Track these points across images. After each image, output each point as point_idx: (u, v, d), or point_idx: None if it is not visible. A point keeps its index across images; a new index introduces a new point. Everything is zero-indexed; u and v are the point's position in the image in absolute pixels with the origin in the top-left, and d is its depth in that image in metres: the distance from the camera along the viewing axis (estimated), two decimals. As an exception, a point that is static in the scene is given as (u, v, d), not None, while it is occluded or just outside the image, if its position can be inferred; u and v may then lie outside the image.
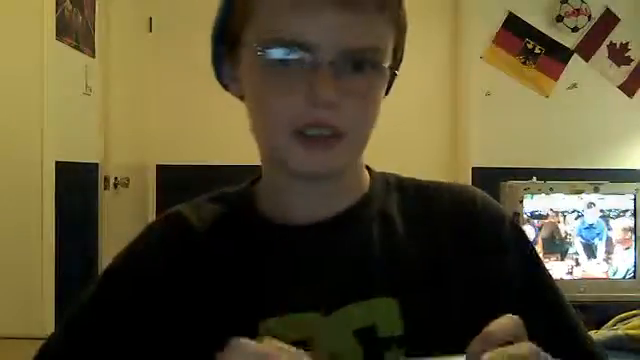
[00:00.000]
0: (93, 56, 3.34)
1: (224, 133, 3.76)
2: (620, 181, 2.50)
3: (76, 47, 3.15)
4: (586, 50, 4.04)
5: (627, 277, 2.17)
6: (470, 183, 3.63)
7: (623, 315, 1.83)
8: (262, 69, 0.69)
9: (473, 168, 4.00)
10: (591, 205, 2.18)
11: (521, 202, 2.18)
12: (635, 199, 2.17)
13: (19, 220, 2.82)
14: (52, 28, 2.89)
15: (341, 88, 0.67)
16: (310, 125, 0.68)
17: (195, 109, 3.99)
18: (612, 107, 4.04)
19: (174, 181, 3.94)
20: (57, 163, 2.90)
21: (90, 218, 3.38)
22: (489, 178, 2.48)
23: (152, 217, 3.98)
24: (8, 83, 2.82)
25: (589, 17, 4.00)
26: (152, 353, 0.73)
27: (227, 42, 0.74)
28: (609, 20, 4.04)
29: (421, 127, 4.11)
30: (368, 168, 0.82)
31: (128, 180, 3.66)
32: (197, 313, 0.72)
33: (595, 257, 2.18)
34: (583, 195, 2.18)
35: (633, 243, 2.17)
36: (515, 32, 4.02)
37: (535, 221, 2.20)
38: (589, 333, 0.78)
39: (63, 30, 2.99)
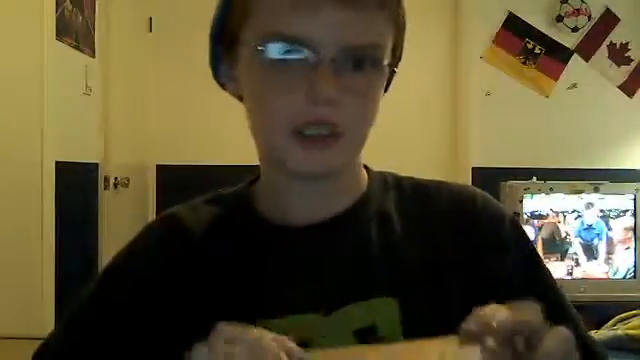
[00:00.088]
0: (93, 56, 3.34)
1: (224, 133, 3.76)
2: (620, 181, 2.50)
3: (76, 47, 3.15)
4: (586, 50, 4.04)
5: (627, 277, 2.17)
6: (470, 183, 3.63)
7: (623, 315, 1.83)
8: (261, 68, 0.68)
9: (473, 168, 4.00)
10: (590, 206, 2.18)
11: (521, 202, 2.18)
12: (635, 199, 2.17)
13: (19, 220, 2.82)
14: (52, 28, 2.89)
15: (341, 85, 0.66)
16: (310, 123, 0.68)
17: (195, 109, 3.98)
18: (612, 107, 4.04)
19: (174, 181, 3.94)
20: (57, 163, 2.90)
21: (90, 218, 3.38)
22: (489, 178, 2.49)
23: (152, 217, 3.96)
24: (8, 83, 2.81)
25: (589, 17, 4.00)
26: (150, 352, 0.73)
27: (225, 41, 0.74)
28: (609, 20, 4.03)
29: (421, 127, 4.11)
30: (366, 167, 0.81)
31: (128, 180, 3.65)
32: (195, 314, 0.72)
33: (595, 258, 2.18)
34: (583, 195, 2.18)
35: (633, 243, 2.17)
36: (515, 32, 4.02)
37: (535, 221, 2.20)
38: (590, 333, 0.78)
39: (63, 30, 2.99)
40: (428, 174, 0.82)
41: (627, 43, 4.05)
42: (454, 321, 0.68)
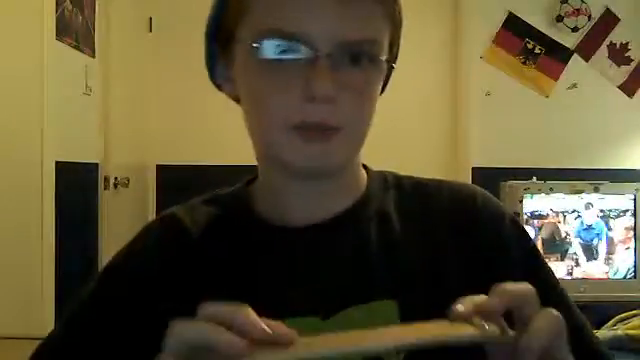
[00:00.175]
0: (93, 56, 3.34)
1: (224, 133, 3.75)
2: (620, 181, 2.49)
3: (76, 47, 3.15)
4: (586, 50, 4.04)
5: (627, 277, 2.16)
6: (470, 183, 3.63)
7: (623, 315, 1.83)
8: (257, 65, 0.68)
9: (473, 168, 4.00)
10: (589, 206, 2.18)
11: (521, 202, 2.18)
12: (635, 199, 2.17)
13: (19, 220, 2.82)
14: (52, 28, 2.89)
15: (338, 81, 0.66)
16: (305, 121, 0.67)
17: (195, 109, 3.98)
18: (612, 107, 4.04)
19: (174, 181, 3.94)
20: (57, 163, 2.90)
21: (90, 218, 3.38)
22: (489, 178, 2.48)
23: (152, 217, 3.95)
24: (8, 83, 2.82)
25: (589, 17, 4.00)
26: (148, 352, 0.72)
27: (221, 40, 0.73)
28: (609, 20, 4.03)
29: (421, 127, 4.11)
30: (365, 167, 0.81)
31: (128, 180, 3.66)
32: (193, 315, 0.72)
33: (595, 258, 2.18)
34: (583, 195, 2.18)
35: (633, 243, 2.16)
36: (515, 32, 4.02)
37: (535, 221, 2.20)
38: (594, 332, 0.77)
39: (63, 30, 2.99)
40: (428, 174, 0.81)
41: (627, 43, 4.05)
42: None
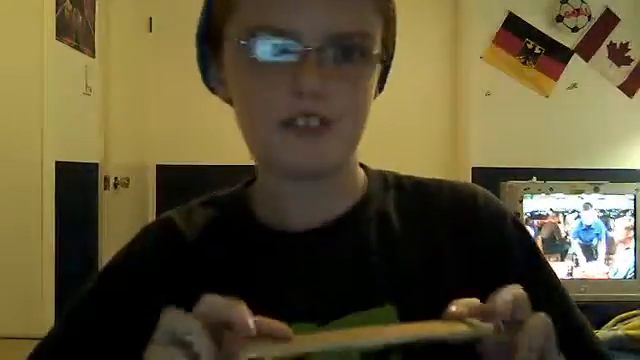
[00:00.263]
0: (93, 56, 3.34)
1: (224, 133, 3.73)
2: (620, 181, 2.49)
3: (76, 47, 3.15)
4: (586, 50, 4.04)
5: (627, 277, 2.16)
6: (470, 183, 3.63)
7: (623, 315, 1.83)
8: (246, 63, 0.67)
9: (473, 168, 4.00)
10: (588, 206, 2.18)
11: (521, 202, 2.18)
12: (635, 199, 2.16)
13: (19, 220, 2.82)
14: (52, 28, 2.89)
15: (327, 76, 0.65)
16: (296, 117, 0.66)
17: (195, 109, 3.98)
18: (612, 107, 4.04)
19: (174, 181, 3.94)
20: (57, 163, 2.90)
21: (90, 218, 3.38)
22: (489, 178, 2.48)
23: (152, 217, 3.98)
24: (8, 83, 2.82)
25: (589, 17, 4.00)
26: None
27: (211, 41, 0.73)
28: (609, 20, 4.03)
29: (421, 127, 4.11)
30: (364, 167, 0.80)
31: (128, 180, 3.66)
32: None
33: (595, 259, 2.18)
34: (583, 195, 2.18)
35: (633, 243, 2.16)
36: (515, 32, 4.02)
37: (535, 221, 2.20)
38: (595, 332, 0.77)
39: (63, 30, 2.99)
40: (428, 174, 0.81)
41: (627, 43, 4.05)
42: None
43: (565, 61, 4.04)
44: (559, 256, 2.19)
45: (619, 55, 4.05)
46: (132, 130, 3.86)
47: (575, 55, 4.04)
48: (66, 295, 2.84)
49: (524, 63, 4.03)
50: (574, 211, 2.20)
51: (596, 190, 2.19)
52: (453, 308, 0.53)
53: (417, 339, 0.51)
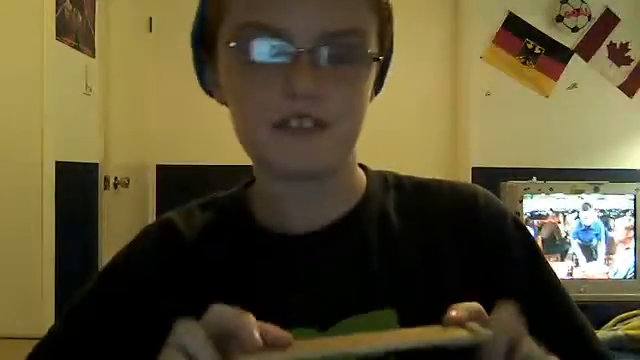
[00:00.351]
0: (93, 56, 3.34)
1: (224, 133, 3.72)
2: (620, 181, 2.49)
3: (76, 47, 3.15)
4: (586, 50, 4.04)
5: (627, 277, 2.16)
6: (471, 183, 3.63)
7: (623, 315, 1.83)
8: (238, 64, 0.66)
9: (473, 168, 4.00)
10: (587, 206, 2.18)
11: (521, 202, 2.18)
12: (635, 199, 2.16)
13: (19, 220, 2.82)
14: (52, 28, 2.89)
15: (321, 77, 0.64)
16: (289, 118, 0.65)
17: (195, 109, 3.97)
18: (612, 107, 4.04)
19: (174, 181, 3.94)
20: (57, 163, 2.90)
21: (90, 218, 3.38)
22: (489, 178, 2.48)
23: (152, 217, 3.99)
24: (8, 83, 2.81)
25: (589, 17, 4.00)
26: (144, 352, 0.72)
27: (206, 44, 0.72)
28: (609, 20, 4.03)
29: (421, 127, 4.11)
30: (364, 167, 0.80)
31: (128, 180, 3.65)
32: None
33: (595, 259, 2.18)
34: (583, 195, 2.18)
35: (633, 243, 2.16)
36: (515, 32, 4.02)
37: (535, 221, 2.20)
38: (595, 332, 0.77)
39: (63, 30, 2.99)
40: (428, 174, 0.81)
41: (627, 43, 4.05)
42: None
43: (565, 61, 4.04)
44: (559, 256, 2.19)
45: (619, 55, 4.05)
46: (132, 130, 3.86)
47: (575, 55, 4.04)
48: (66, 295, 2.84)
49: (524, 63, 4.03)
50: (574, 211, 2.20)
51: (596, 190, 2.19)
52: (453, 313, 0.53)
53: (417, 345, 0.51)
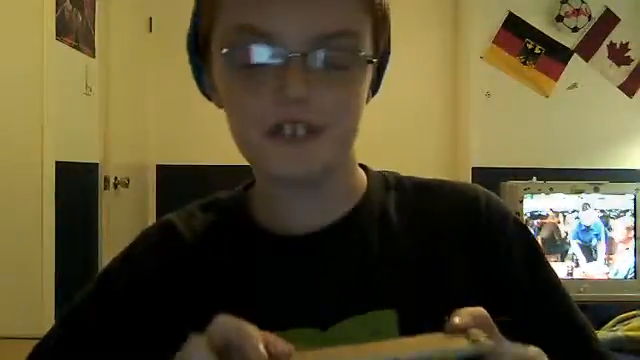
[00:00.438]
0: (93, 56, 3.34)
1: (224, 133, 3.71)
2: (620, 181, 2.50)
3: (76, 47, 3.15)
4: (586, 50, 4.04)
5: (627, 277, 2.16)
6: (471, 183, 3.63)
7: (623, 316, 1.83)
8: (231, 68, 0.66)
9: (473, 168, 4.00)
10: (586, 206, 2.18)
11: (521, 202, 2.18)
12: (635, 199, 2.17)
13: (19, 220, 2.82)
14: (52, 28, 2.89)
15: (313, 80, 0.63)
16: (282, 124, 0.65)
17: (195, 109, 3.96)
18: (612, 107, 4.04)
19: (174, 181, 3.94)
20: (57, 163, 2.90)
21: (90, 218, 3.38)
22: (489, 178, 2.48)
23: (152, 217, 3.99)
24: (8, 83, 2.81)
25: (589, 17, 4.00)
26: (143, 353, 0.72)
27: (200, 50, 0.72)
28: (609, 20, 4.03)
29: (421, 127, 4.11)
30: (365, 167, 0.79)
31: (128, 180, 3.65)
32: (189, 323, 0.71)
33: (595, 259, 2.18)
34: (583, 195, 2.18)
35: (633, 243, 2.16)
36: (515, 32, 4.01)
37: (535, 221, 2.20)
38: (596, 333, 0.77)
39: (63, 30, 2.99)
40: (428, 174, 0.81)
41: (627, 43, 4.05)
42: None
43: (565, 61, 4.04)
44: (559, 256, 2.19)
45: (619, 55, 4.05)
46: (132, 130, 3.86)
47: (575, 55, 4.04)
48: (66, 295, 2.84)
49: (524, 63, 4.03)
50: (574, 211, 2.20)
51: (596, 190, 2.19)
52: (457, 320, 0.51)
53: (419, 355, 0.51)
